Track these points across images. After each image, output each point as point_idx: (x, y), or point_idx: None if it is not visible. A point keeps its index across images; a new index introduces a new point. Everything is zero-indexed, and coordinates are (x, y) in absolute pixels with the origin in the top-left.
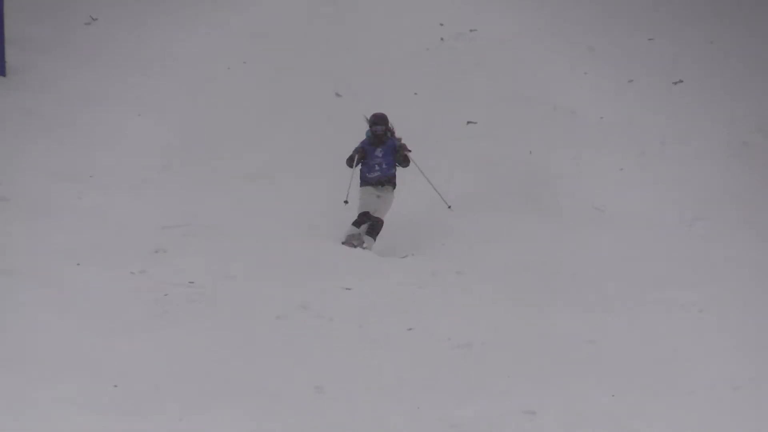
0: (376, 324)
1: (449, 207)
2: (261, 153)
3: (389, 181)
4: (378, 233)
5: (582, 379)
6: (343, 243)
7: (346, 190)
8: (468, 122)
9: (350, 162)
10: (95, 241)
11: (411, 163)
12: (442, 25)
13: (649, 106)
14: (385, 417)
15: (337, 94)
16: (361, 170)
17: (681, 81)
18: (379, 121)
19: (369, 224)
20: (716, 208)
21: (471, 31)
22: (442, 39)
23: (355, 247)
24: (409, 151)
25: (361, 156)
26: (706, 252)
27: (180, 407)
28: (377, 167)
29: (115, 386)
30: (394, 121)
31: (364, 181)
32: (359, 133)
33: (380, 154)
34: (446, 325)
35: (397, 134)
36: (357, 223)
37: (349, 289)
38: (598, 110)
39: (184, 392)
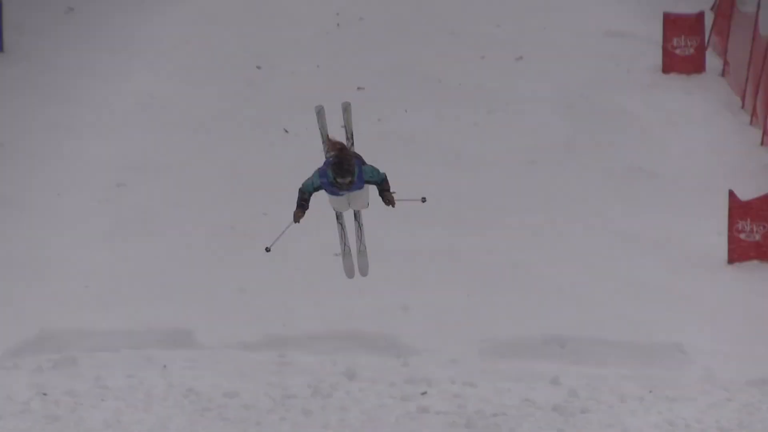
0: None
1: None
2: None
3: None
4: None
5: (445, 283)
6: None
7: (276, 236)
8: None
9: (296, 215)
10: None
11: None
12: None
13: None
14: None
15: (286, 130)
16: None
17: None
18: (343, 162)
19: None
20: (549, 152)
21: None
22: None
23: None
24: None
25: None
26: (542, 186)
27: None
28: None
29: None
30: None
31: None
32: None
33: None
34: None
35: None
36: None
37: None
38: (457, 78)
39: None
